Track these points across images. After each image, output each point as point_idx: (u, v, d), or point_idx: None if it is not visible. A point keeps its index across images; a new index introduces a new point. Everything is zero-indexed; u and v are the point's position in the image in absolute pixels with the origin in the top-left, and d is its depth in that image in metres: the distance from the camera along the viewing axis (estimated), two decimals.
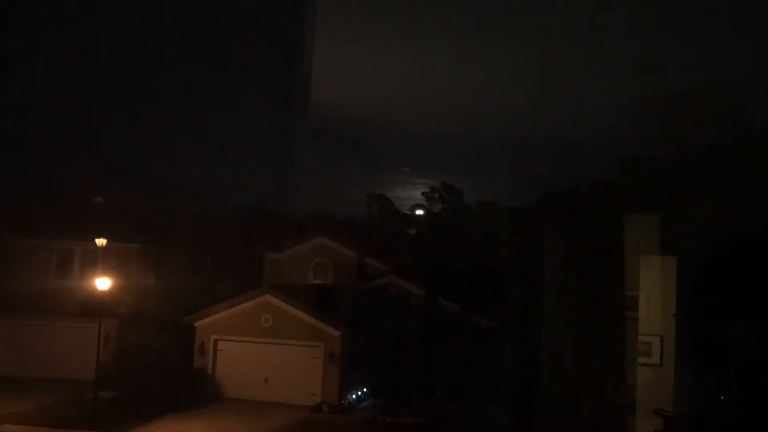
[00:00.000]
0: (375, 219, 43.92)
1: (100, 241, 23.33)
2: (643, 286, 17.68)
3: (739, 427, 16.49)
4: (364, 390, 25.08)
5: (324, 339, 23.91)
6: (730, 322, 17.04)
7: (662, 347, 17.42)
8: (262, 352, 24.54)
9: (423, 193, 45.68)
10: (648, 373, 17.41)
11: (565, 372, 19.41)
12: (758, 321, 16.95)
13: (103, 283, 21.71)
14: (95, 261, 24.81)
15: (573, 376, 19.26)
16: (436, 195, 45.31)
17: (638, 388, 17.42)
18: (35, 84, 30.96)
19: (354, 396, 24.43)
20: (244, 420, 21.45)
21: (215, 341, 24.92)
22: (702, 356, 17.02)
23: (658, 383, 17.21)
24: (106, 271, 22.42)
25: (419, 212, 45.02)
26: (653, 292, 17.60)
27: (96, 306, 22.04)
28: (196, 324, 24.93)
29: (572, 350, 19.62)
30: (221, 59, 35.13)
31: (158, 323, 24.98)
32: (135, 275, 26.64)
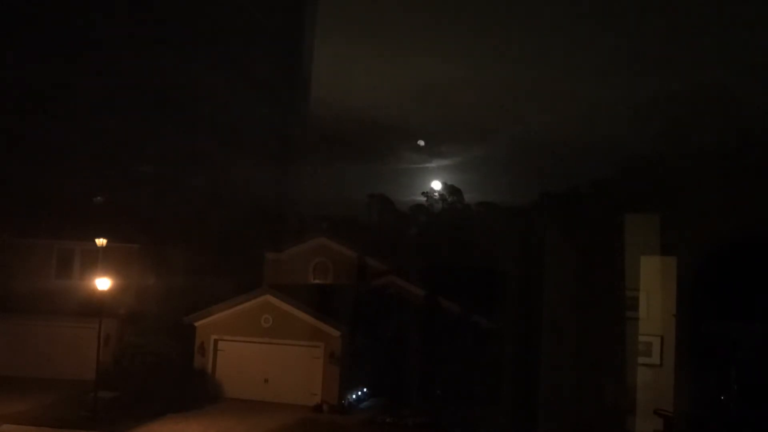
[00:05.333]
0: (375, 219, 43.87)
1: (100, 241, 23.32)
2: (643, 286, 17.70)
3: (739, 427, 16.51)
4: (364, 390, 25.08)
5: (324, 339, 23.91)
6: (730, 322, 17.06)
7: (662, 347, 17.45)
8: (262, 352, 24.54)
9: (423, 193, 45.68)
10: (648, 373, 17.43)
11: (565, 372, 19.40)
12: (758, 321, 16.97)
13: (103, 283, 21.72)
14: (95, 261, 24.78)
15: (573, 376, 19.26)
16: (436, 195, 45.29)
17: (638, 388, 17.43)
18: (34, 82, 30.95)
19: (354, 396, 24.43)
20: (244, 420, 21.45)
21: (215, 341, 24.93)
22: (702, 356, 17.04)
23: (658, 383, 17.22)
24: (106, 271, 22.43)
25: (437, 187, 44.70)
26: (653, 292, 17.62)
27: (96, 306, 22.05)
28: (196, 324, 24.95)
29: (572, 350, 19.62)
30: (221, 58, 35.11)
31: (158, 323, 24.97)
32: (135, 275, 26.65)
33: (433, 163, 45.01)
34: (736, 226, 17.76)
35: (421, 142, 44.89)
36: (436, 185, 44.68)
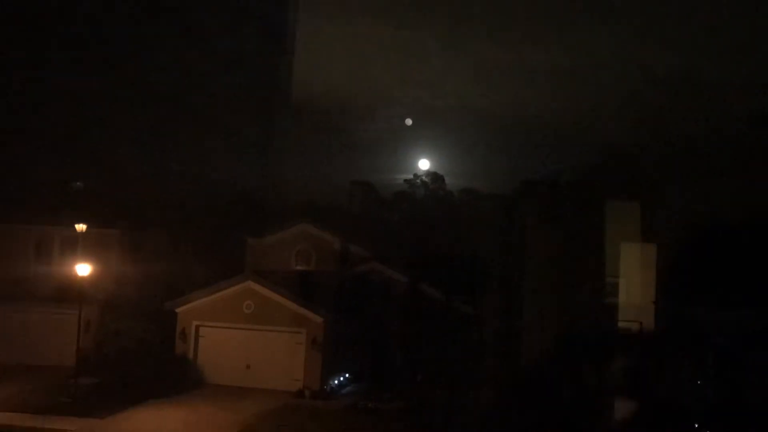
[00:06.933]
0: (358, 206, 43.79)
1: (80, 227, 23.11)
2: (623, 272, 17.97)
3: (716, 410, 16.82)
4: (346, 375, 25.18)
5: (306, 325, 23.93)
6: (708, 309, 17.32)
7: (641, 333, 17.72)
8: (244, 338, 24.51)
9: (405, 180, 45.62)
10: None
11: (546, 357, 19.63)
12: (735, 308, 17.23)
13: (83, 268, 21.54)
14: (75, 246, 24.57)
15: (553, 362, 19.49)
16: (419, 181, 45.26)
17: (617, 373, 17.72)
18: (14, 70, 30.52)
19: (336, 381, 24.51)
20: (226, 406, 21.45)
21: (197, 327, 24.83)
22: (680, 342, 17.32)
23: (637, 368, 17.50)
24: (86, 257, 22.25)
25: (424, 166, 44.58)
26: (633, 278, 17.89)
27: (76, 292, 21.88)
28: (177, 310, 24.81)
29: (553, 336, 19.82)
30: (205, 45, 34.78)
31: (139, 309, 24.83)
32: (115, 261, 26.44)
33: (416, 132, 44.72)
34: (716, 215, 18.02)
35: (409, 121, 44.71)
36: (424, 164, 44.50)
